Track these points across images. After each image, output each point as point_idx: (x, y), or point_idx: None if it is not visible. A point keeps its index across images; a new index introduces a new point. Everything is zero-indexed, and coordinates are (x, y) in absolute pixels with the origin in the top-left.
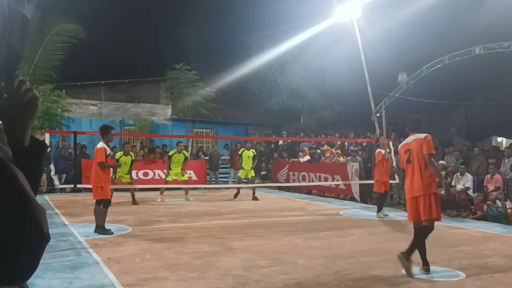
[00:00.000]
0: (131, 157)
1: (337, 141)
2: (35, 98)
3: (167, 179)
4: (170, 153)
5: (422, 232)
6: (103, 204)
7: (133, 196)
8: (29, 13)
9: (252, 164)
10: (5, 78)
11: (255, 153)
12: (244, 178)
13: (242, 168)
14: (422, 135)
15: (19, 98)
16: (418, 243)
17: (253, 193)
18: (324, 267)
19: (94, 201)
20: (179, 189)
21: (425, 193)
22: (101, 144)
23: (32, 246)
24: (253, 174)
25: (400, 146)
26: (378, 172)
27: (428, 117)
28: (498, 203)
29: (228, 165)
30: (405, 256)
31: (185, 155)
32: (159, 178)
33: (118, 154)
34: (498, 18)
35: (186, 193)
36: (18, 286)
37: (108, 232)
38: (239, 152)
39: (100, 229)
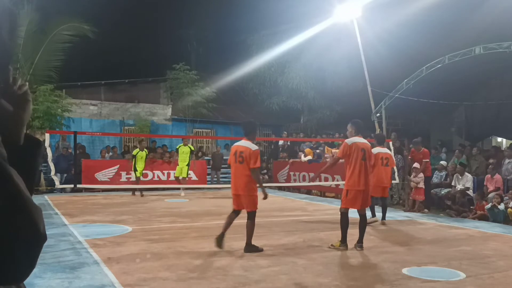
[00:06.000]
0: (146, 152)
1: (337, 141)
2: (27, 94)
3: (176, 175)
4: (178, 146)
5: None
6: (253, 216)
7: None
8: (29, 14)
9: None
10: (1, 76)
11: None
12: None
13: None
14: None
15: (13, 95)
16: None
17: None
18: (324, 267)
19: (241, 212)
20: (179, 189)
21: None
22: (253, 145)
23: (29, 245)
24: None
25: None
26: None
27: (428, 117)
28: (502, 204)
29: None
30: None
31: (190, 148)
32: (158, 179)
33: (135, 151)
34: (498, 18)
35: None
36: (16, 286)
37: (259, 249)
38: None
39: (251, 246)
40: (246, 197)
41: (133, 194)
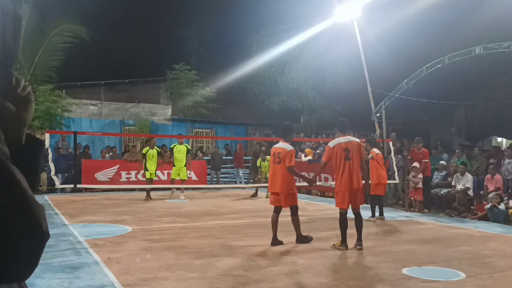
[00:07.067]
0: (156, 150)
1: None
2: (30, 94)
3: (172, 177)
4: (172, 146)
5: None
6: (295, 211)
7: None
8: (27, 13)
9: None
10: (2, 76)
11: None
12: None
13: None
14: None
15: (17, 96)
16: None
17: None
18: (324, 267)
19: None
20: (178, 189)
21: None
22: (289, 146)
23: (32, 243)
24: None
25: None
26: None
27: (428, 117)
28: (502, 204)
29: (229, 165)
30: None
31: (187, 147)
32: (158, 179)
33: (145, 149)
34: (498, 18)
35: (181, 191)
36: (17, 285)
37: (308, 239)
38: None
39: (301, 237)
40: (284, 196)
41: (148, 197)
